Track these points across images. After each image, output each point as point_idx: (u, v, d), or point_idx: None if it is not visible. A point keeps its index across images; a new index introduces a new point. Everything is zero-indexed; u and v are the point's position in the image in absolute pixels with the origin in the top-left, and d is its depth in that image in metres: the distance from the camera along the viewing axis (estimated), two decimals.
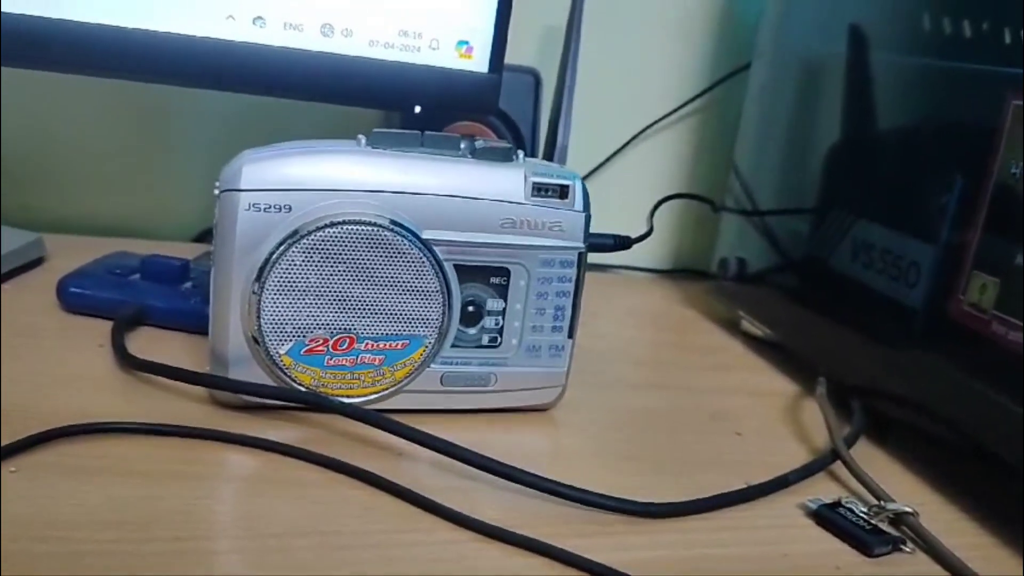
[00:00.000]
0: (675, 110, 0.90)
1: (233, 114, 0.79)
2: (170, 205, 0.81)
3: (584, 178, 0.87)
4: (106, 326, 0.53)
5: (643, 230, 0.76)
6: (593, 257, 0.51)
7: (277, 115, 0.77)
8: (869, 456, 0.52)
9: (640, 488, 0.44)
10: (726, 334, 0.74)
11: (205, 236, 0.79)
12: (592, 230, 0.49)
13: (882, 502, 0.44)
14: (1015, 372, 0.45)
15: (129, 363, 0.49)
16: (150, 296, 0.57)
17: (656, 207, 0.77)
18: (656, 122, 0.90)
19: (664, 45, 0.89)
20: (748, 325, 0.73)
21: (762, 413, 0.57)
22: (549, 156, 0.74)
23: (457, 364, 0.48)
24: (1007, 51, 0.48)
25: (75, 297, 0.57)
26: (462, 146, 0.48)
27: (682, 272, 0.93)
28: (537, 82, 0.76)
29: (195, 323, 0.54)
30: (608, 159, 0.90)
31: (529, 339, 0.49)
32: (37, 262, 0.65)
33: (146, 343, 0.53)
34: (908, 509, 0.44)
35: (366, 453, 0.44)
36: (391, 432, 0.43)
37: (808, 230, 0.65)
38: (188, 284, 0.59)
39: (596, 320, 0.70)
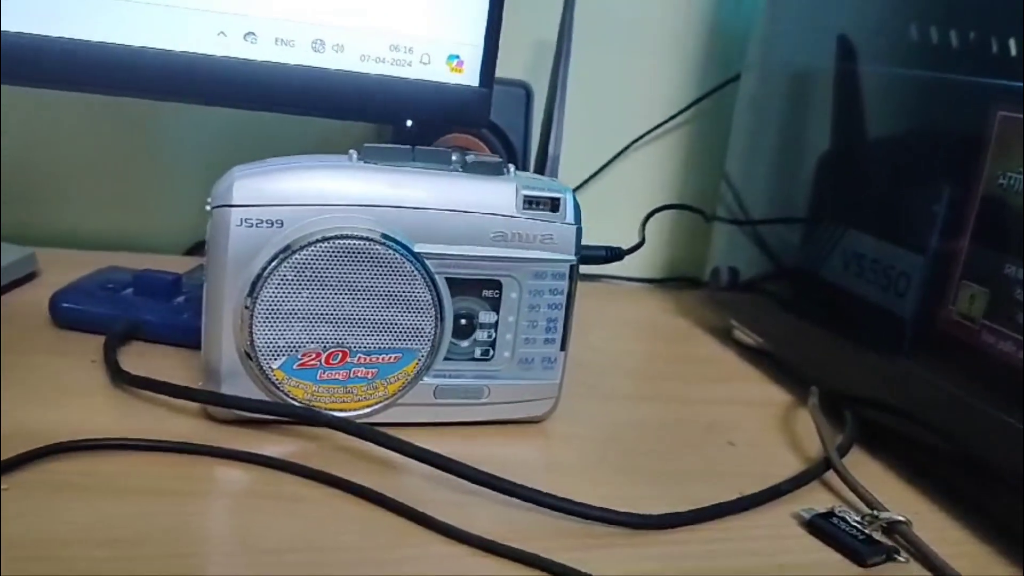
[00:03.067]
0: (666, 121, 0.90)
1: (225, 127, 0.79)
2: (162, 218, 0.81)
3: (576, 189, 0.88)
4: (99, 341, 0.53)
5: (635, 240, 0.76)
6: (586, 267, 0.51)
7: (269, 128, 0.77)
8: (862, 465, 0.52)
9: (634, 500, 0.44)
10: (719, 344, 0.74)
11: (197, 249, 0.79)
12: (584, 241, 0.50)
13: (875, 511, 0.45)
14: (1005, 382, 0.46)
15: (122, 378, 0.49)
16: (143, 311, 0.57)
17: (647, 218, 0.77)
18: (647, 133, 0.90)
19: (655, 57, 0.89)
20: (741, 334, 0.73)
21: (755, 423, 0.57)
22: (541, 168, 0.74)
23: (450, 377, 0.48)
24: (993, 62, 0.49)
25: (67, 313, 0.57)
26: (453, 160, 0.48)
27: (675, 281, 0.93)
28: (528, 95, 0.76)
29: (188, 338, 0.54)
30: (600, 170, 0.90)
31: (522, 351, 0.50)
32: (29, 277, 0.65)
33: (139, 358, 0.53)
34: (901, 518, 0.44)
35: (360, 467, 0.44)
36: (384, 446, 0.43)
37: (799, 240, 0.65)
38: (181, 298, 0.59)
39: (589, 331, 0.70)
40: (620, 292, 0.89)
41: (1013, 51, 0.47)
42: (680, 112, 0.90)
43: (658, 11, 0.88)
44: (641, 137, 0.90)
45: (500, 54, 0.62)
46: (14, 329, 0.55)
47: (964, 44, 0.51)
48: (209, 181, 0.45)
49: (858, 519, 0.44)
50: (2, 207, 0.73)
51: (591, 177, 0.90)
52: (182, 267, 0.65)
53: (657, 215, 0.89)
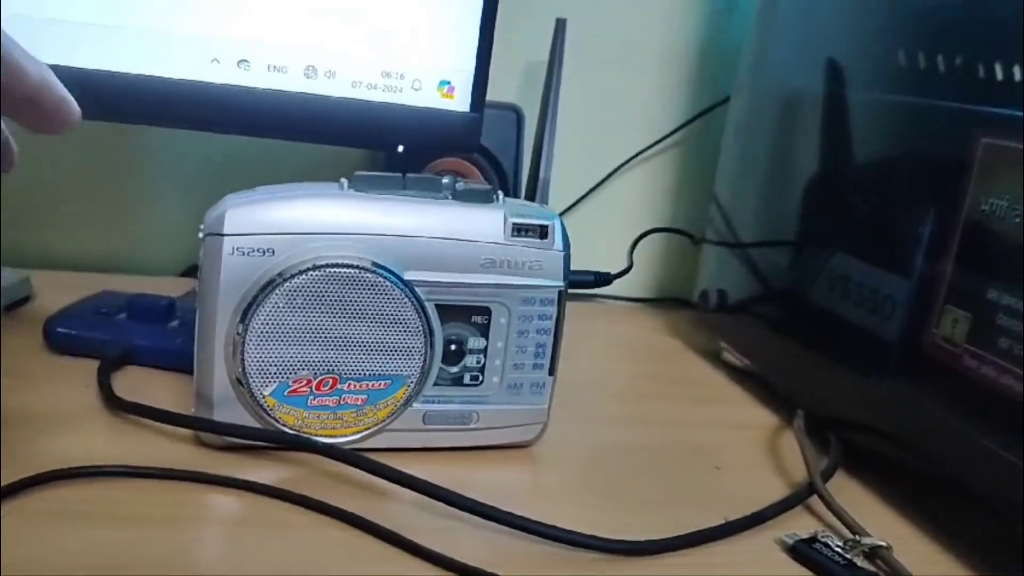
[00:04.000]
0: (656, 143, 0.91)
1: (221, 148, 0.80)
2: (157, 239, 0.82)
3: (566, 211, 0.89)
4: (93, 366, 0.54)
5: (626, 261, 0.77)
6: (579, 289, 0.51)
7: (265, 150, 0.78)
8: (846, 489, 0.53)
9: (620, 525, 0.44)
10: (708, 365, 0.75)
11: (192, 270, 0.79)
12: (575, 263, 0.50)
13: (857, 536, 0.45)
14: (987, 407, 0.46)
15: (115, 404, 0.49)
16: (136, 336, 0.57)
17: (636, 243, 0.78)
18: (638, 154, 0.91)
19: (645, 79, 0.90)
20: (729, 356, 0.74)
21: (742, 446, 0.58)
22: (532, 190, 0.75)
23: (439, 403, 0.49)
24: (977, 88, 0.49)
25: (61, 338, 0.57)
26: (443, 188, 0.48)
27: (666, 301, 0.94)
28: (519, 118, 0.77)
29: (181, 363, 0.54)
30: (590, 192, 0.91)
31: (510, 377, 0.50)
32: (24, 300, 0.65)
33: (133, 383, 0.54)
34: (883, 543, 0.44)
35: (349, 493, 0.44)
36: (372, 473, 0.44)
37: (787, 262, 0.66)
38: (175, 323, 0.59)
39: (579, 352, 0.70)
40: (610, 312, 0.89)
41: (997, 78, 0.48)
42: (670, 134, 0.91)
43: (648, 34, 0.89)
44: (632, 158, 0.91)
45: (491, 77, 0.63)
46: (9, 354, 0.56)
47: (949, 71, 0.52)
48: (203, 202, 0.46)
49: (840, 544, 0.45)
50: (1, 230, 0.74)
51: (581, 199, 0.90)
52: (177, 289, 0.65)
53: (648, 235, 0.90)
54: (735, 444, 0.58)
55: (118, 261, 0.80)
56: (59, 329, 0.57)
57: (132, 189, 0.81)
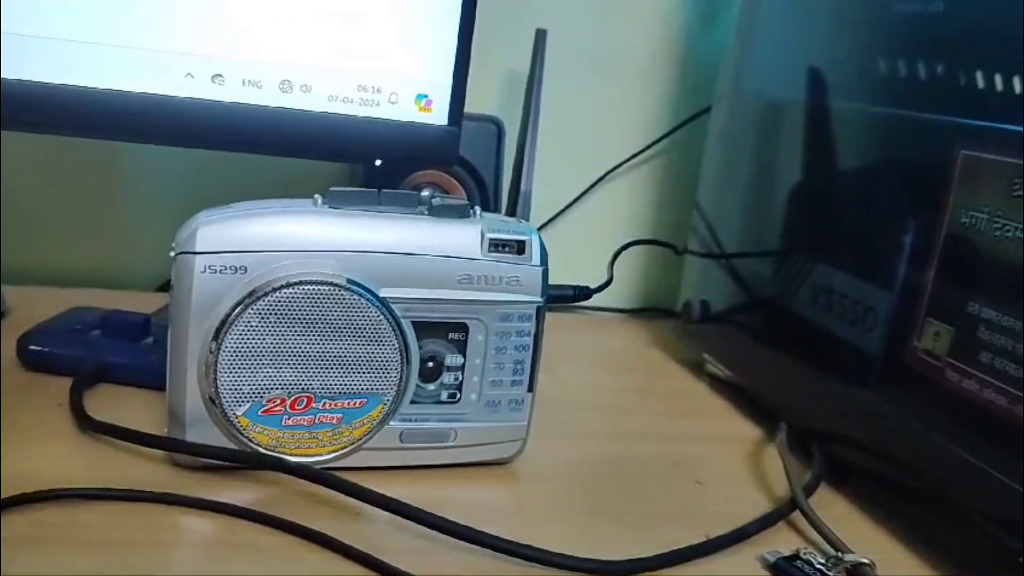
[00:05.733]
0: (638, 153, 0.90)
1: (197, 162, 0.79)
2: (133, 254, 0.81)
3: (548, 223, 0.89)
4: (66, 384, 0.53)
5: (608, 274, 0.77)
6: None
7: (243, 164, 0.77)
8: (829, 503, 0.52)
9: (600, 543, 0.44)
10: (692, 377, 0.74)
11: (168, 286, 0.78)
12: (556, 276, 0.50)
13: (840, 553, 0.45)
14: (968, 419, 0.46)
15: (86, 424, 0.49)
16: (110, 353, 0.57)
17: (616, 255, 0.77)
18: (620, 165, 0.90)
19: (626, 89, 0.89)
20: (713, 367, 0.73)
21: (724, 460, 0.57)
22: (513, 203, 0.75)
23: (416, 421, 0.48)
24: (957, 100, 0.49)
25: (35, 355, 0.56)
26: (419, 203, 0.48)
27: (650, 312, 0.93)
28: (499, 130, 0.77)
29: (156, 380, 0.53)
30: (572, 203, 0.90)
31: (489, 394, 0.50)
32: None
33: (107, 401, 0.53)
34: (865, 560, 0.44)
35: (324, 514, 0.44)
36: (346, 493, 0.43)
37: (770, 273, 0.65)
38: (149, 339, 0.59)
39: (560, 365, 0.70)
40: (593, 323, 0.89)
41: (976, 89, 0.48)
42: (652, 144, 0.91)
43: (629, 44, 0.88)
44: (614, 169, 0.90)
45: (471, 87, 0.62)
46: None
47: (930, 81, 0.51)
48: (180, 216, 0.45)
49: (823, 561, 0.44)
50: None
51: (564, 210, 0.90)
52: (153, 304, 0.65)
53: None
54: (717, 458, 0.58)
55: (94, 276, 0.79)
56: (31, 347, 0.56)
57: (108, 204, 0.80)
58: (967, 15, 0.50)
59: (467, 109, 0.63)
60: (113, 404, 0.52)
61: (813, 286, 0.59)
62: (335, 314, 0.45)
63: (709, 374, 0.74)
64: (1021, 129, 0.45)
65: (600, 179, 0.90)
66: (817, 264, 0.59)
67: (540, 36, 0.77)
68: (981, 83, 0.48)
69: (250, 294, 0.44)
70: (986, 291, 0.46)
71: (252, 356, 0.44)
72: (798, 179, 0.63)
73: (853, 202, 0.58)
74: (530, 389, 0.50)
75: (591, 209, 0.91)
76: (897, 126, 0.54)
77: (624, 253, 0.85)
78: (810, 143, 0.63)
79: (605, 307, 0.91)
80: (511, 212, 0.75)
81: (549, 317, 0.50)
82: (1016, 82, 0.45)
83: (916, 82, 0.52)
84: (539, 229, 0.82)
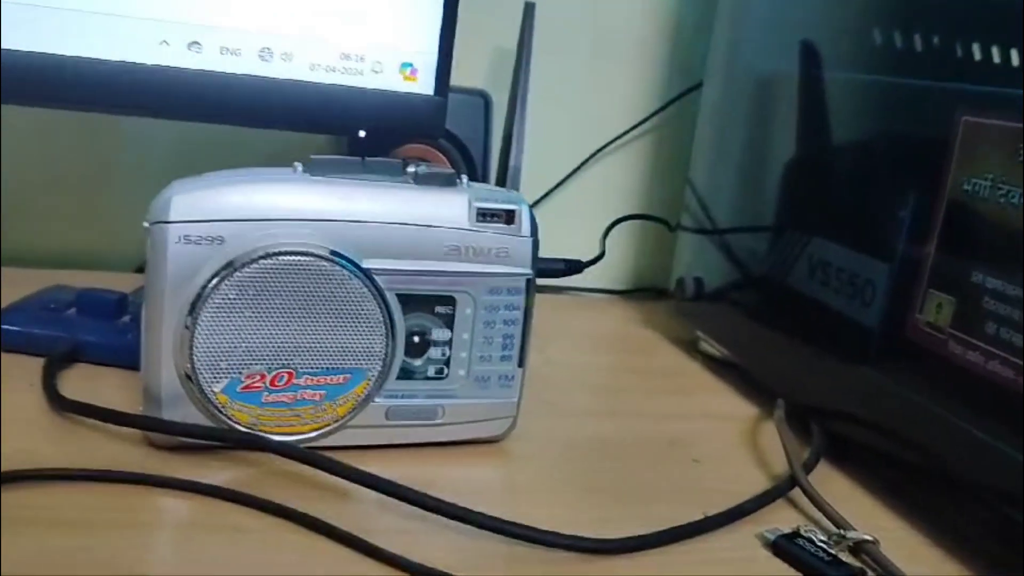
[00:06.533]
0: (630, 129, 0.89)
1: (181, 138, 0.77)
2: (113, 234, 0.79)
3: (540, 200, 0.87)
4: (40, 364, 0.51)
5: (599, 250, 0.75)
6: (550, 279, 0.49)
7: (228, 139, 0.75)
8: (829, 480, 0.51)
9: (595, 521, 0.42)
10: (685, 355, 0.73)
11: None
12: (549, 253, 0.48)
13: (842, 530, 0.43)
14: (973, 393, 0.45)
15: (59, 404, 0.47)
16: (85, 331, 0.55)
17: (608, 229, 0.76)
18: (612, 141, 0.89)
19: (617, 64, 0.88)
20: (707, 346, 0.72)
21: (721, 438, 0.56)
22: (502, 178, 0.73)
23: (403, 397, 0.47)
24: (956, 66, 0.48)
25: (8, 335, 0.55)
26: (405, 172, 0.46)
27: (642, 292, 0.92)
28: (487, 104, 0.75)
29: (132, 359, 0.51)
30: (564, 180, 0.89)
31: (477, 369, 0.48)
32: None
33: (81, 381, 0.51)
34: (868, 537, 0.43)
35: (306, 494, 0.42)
36: (329, 472, 0.41)
37: (765, 248, 0.64)
38: (126, 318, 0.57)
39: (551, 344, 0.68)
40: (585, 304, 0.87)
41: (976, 56, 0.46)
42: (644, 120, 0.89)
43: (620, 18, 0.87)
44: (606, 146, 0.89)
45: (459, 61, 0.61)
46: None
47: (928, 48, 0.50)
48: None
49: (824, 539, 0.43)
50: None
51: (555, 187, 0.88)
52: (132, 284, 0.63)
53: (623, 223, 0.87)
54: (714, 436, 0.56)
55: (75, 257, 0.77)
56: (4, 326, 0.55)
57: (87, 183, 0.78)
58: None
59: (455, 83, 0.61)
60: (88, 383, 0.51)
61: (809, 260, 0.58)
62: (316, 286, 0.43)
63: (703, 353, 0.72)
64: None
65: (592, 156, 0.89)
66: (813, 238, 0.58)
67: (528, 10, 0.75)
68: (980, 49, 0.46)
69: (227, 265, 0.42)
70: (990, 260, 0.45)
71: (230, 331, 0.42)
72: (793, 153, 0.62)
73: (850, 174, 0.57)
74: (520, 364, 0.49)
75: (582, 186, 0.89)
76: (895, 95, 0.53)
77: (616, 232, 0.84)
78: (805, 116, 0.61)
79: (597, 288, 0.90)
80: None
81: (540, 299, 0.49)
82: (1016, 47, 0.44)
83: (914, 50, 0.51)
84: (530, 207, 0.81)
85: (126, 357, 0.53)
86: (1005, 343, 0.43)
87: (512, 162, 0.72)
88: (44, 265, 0.74)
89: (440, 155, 0.72)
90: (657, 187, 0.92)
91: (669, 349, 0.75)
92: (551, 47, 0.82)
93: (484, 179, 0.75)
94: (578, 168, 0.89)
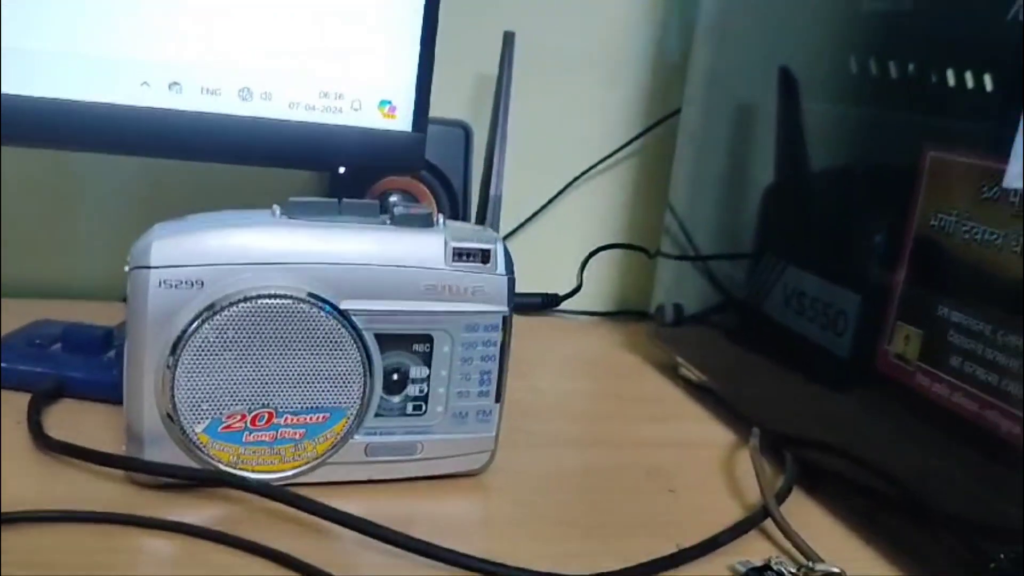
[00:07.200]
0: (610, 155, 0.90)
1: (163, 170, 0.78)
2: (98, 263, 0.79)
3: (519, 228, 0.88)
4: (26, 400, 0.52)
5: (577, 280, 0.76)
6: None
7: (206, 173, 0.76)
8: (801, 509, 0.52)
9: (570, 556, 0.43)
10: (665, 380, 0.74)
11: None
12: (529, 281, 0.49)
13: (811, 562, 0.44)
14: (939, 424, 0.45)
15: (44, 443, 0.48)
16: (71, 367, 0.56)
17: (586, 261, 0.76)
18: (591, 168, 0.90)
19: (595, 92, 0.89)
20: (686, 371, 0.73)
21: (697, 467, 0.57)
22: (483, 207, 0.74)
23: (381, 434, 0.47)
24: (925, 100, 0.49)
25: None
26: (381, 213, 0.47)
27: (624, 315, 0.92)
28: (467, 135, 0.76)
29: (117, 394, 0.52)
30: (543, 208, 0.89)
31: (455, 405, 0.49)
32: None
33: (67, 417, 0.52)
34: (836, 570, 0.43)
35: (287, 532, 0.43)
36: (307, 511, 0.42)
37: (742, 276, 0.65)
38: (111, 353, 0.58)
39: (532, 371, 0.69)
40: (565, 327, 0.88)
41: (943, 91, 0.47)
42: (623, 146, 0.90)
43: (598, 46, 0.88)
44: (585, 172, 0.90)
45: (438, 92, 0.61)
46: None
47: (898, 83, 0.51)
48: (143, 223, 0.44)
49: (793, 571, 0.43)
50: None
51: (535, 215, 0.89)
52: (116, 315, 0.63)
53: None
54: (690, 465, 0.57)
55: (58, 286, 0.78)
56: None
57: (71, 213, 0.79)
58: (935, 14, 0.49)
59: (435, 113, 0.62)
60: (74, 420, 0.52)
61: (785, 289, 0.59)
62: (295, 328, 0.44)
63: (683, 378, 0.73)
64: (988, 130, 0.44)
65: (571, 182, 0.90)
66: (789, 267, 0.59)
67: (508, 39, 0.76)
68: (950, 83, 0.47)
69: (207, 308, 0.43)
70: (956, 294, 0.46)
71: (210, 372, 0.43)
72: (768, 181, 0.63)
73: (823, 204, 0.57)
74: (497, 400, 0.50)
75: (562, 213, 0.90)
76: (866, 127, 0.54)
77: (597, 256, 0.85)
78: (781, 144, 0.62)
79: (578, 310, 0.90)
80: (481, 217, 0.74)
81: (520, 321, 0.50)
82: (985, 82, 0.45)
83: (885, 83, 0.52)
84: (510, 234, 0.82)
85: (112, 393, 0.53)
86: (969, 376, 0.44)
87: (493, 191, 0.73)
88: (22, 295, 0.74)
89: (421, 186, 0.73)
90: (637, 213, 0.93)
91: (651, 374, 0.75)
92: (530, 74, 0.82)
93: (465, 208, 0.76)
94: (559, 194, 0.89)
